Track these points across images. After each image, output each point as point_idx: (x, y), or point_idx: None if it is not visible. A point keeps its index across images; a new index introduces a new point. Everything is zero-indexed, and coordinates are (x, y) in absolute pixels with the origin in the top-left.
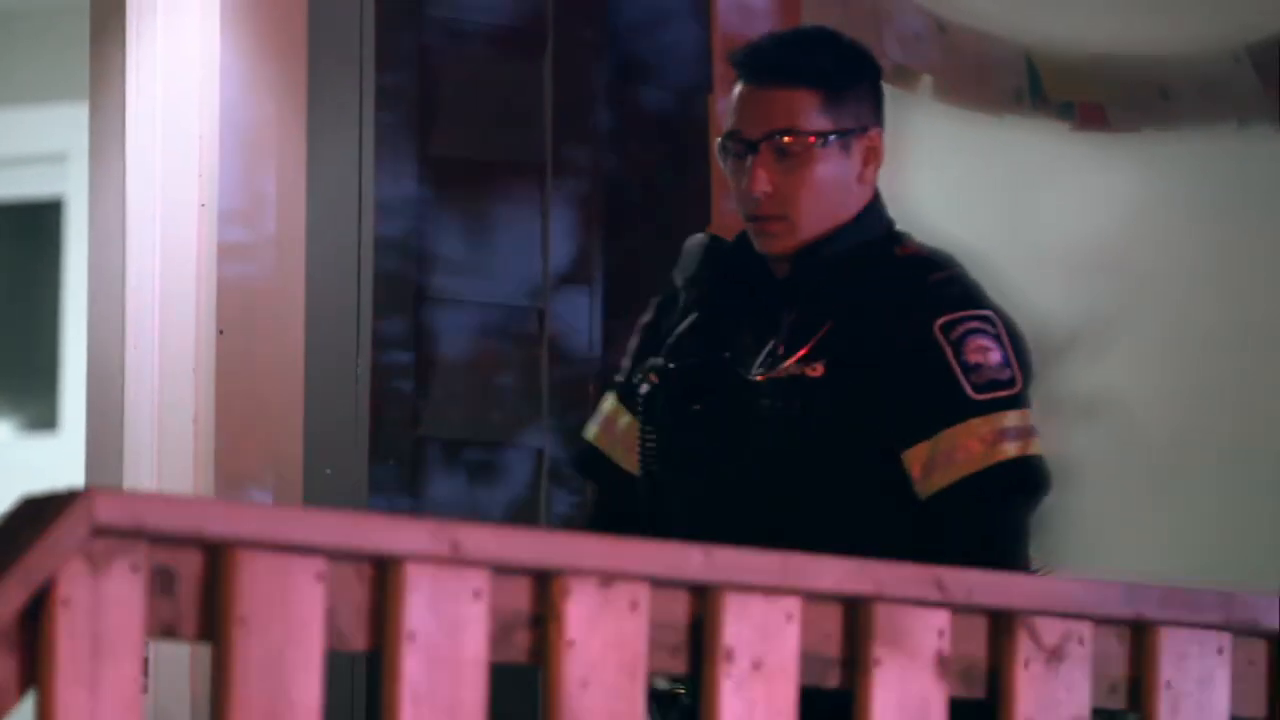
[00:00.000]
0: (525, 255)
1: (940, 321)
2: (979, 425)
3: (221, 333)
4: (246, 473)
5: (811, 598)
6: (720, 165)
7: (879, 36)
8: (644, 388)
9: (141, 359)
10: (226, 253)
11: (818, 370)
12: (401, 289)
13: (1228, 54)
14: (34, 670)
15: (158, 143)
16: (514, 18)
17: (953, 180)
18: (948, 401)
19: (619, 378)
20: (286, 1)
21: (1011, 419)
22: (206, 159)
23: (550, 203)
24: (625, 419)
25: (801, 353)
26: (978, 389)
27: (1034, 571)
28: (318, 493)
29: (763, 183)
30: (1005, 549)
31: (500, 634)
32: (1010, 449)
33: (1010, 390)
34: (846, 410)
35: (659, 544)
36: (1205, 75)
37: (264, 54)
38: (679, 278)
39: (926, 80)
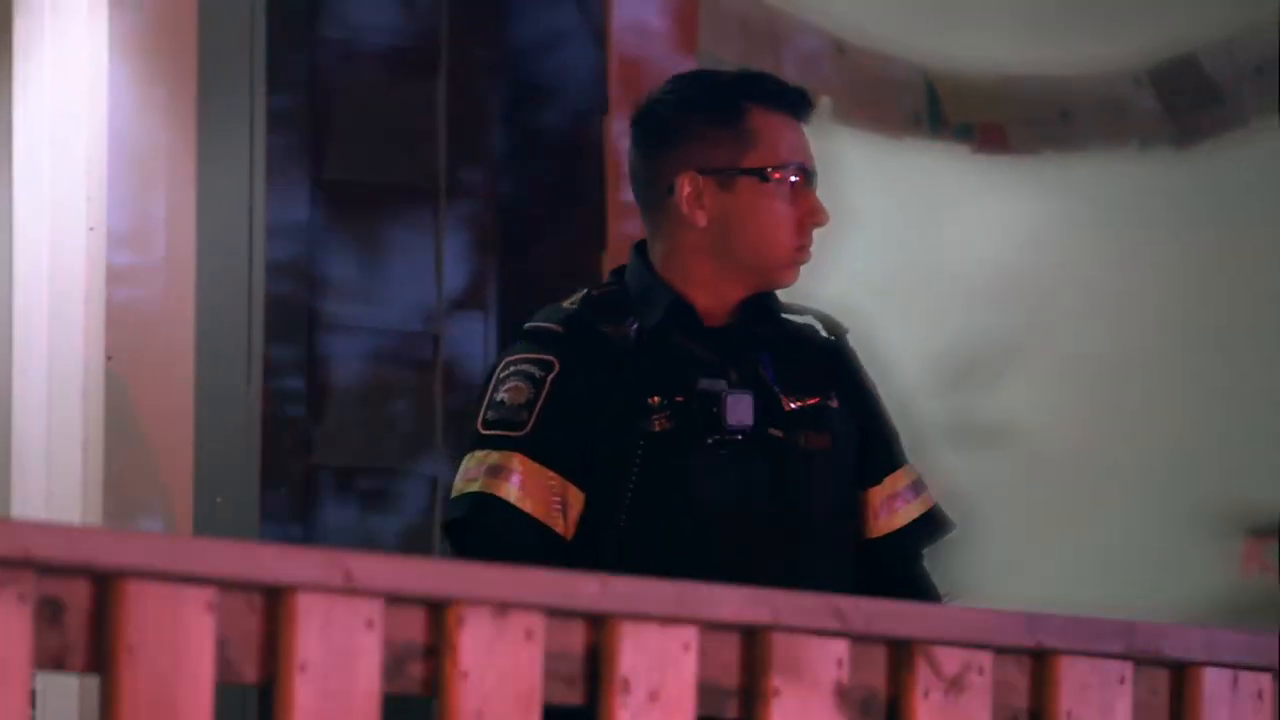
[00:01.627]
0: (419, 280)
1: (862, 369)
2: (909, 471)
3: (110, 359)
4: (136, 501)
5: (709, 627)
6: (747, 194)
7: (777, 57)
8: (657, 426)
9: (29, 385)
10: (115, 277)
11: (834, 401)
12: (294, 314)
13: (1129, 75)
14: None
15: (46, 166)
16: (408, 38)
17: (852, 204)
18: (893, 445)
19: (515, 433)
20: (175, 22)
21: (916, 467)
22: (95, 182)
23: (444, 226)
24: (552, 480)
25: (796, 401)
26: (898, 437)
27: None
28: (208, 521)
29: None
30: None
31: (394, 665)
32: (930, 497)
33: None
34: (854, 442)
35: (554, 573)
36: (1106, 96)
37: (153, 75)
38: (600, 324)
39: (825, 102)
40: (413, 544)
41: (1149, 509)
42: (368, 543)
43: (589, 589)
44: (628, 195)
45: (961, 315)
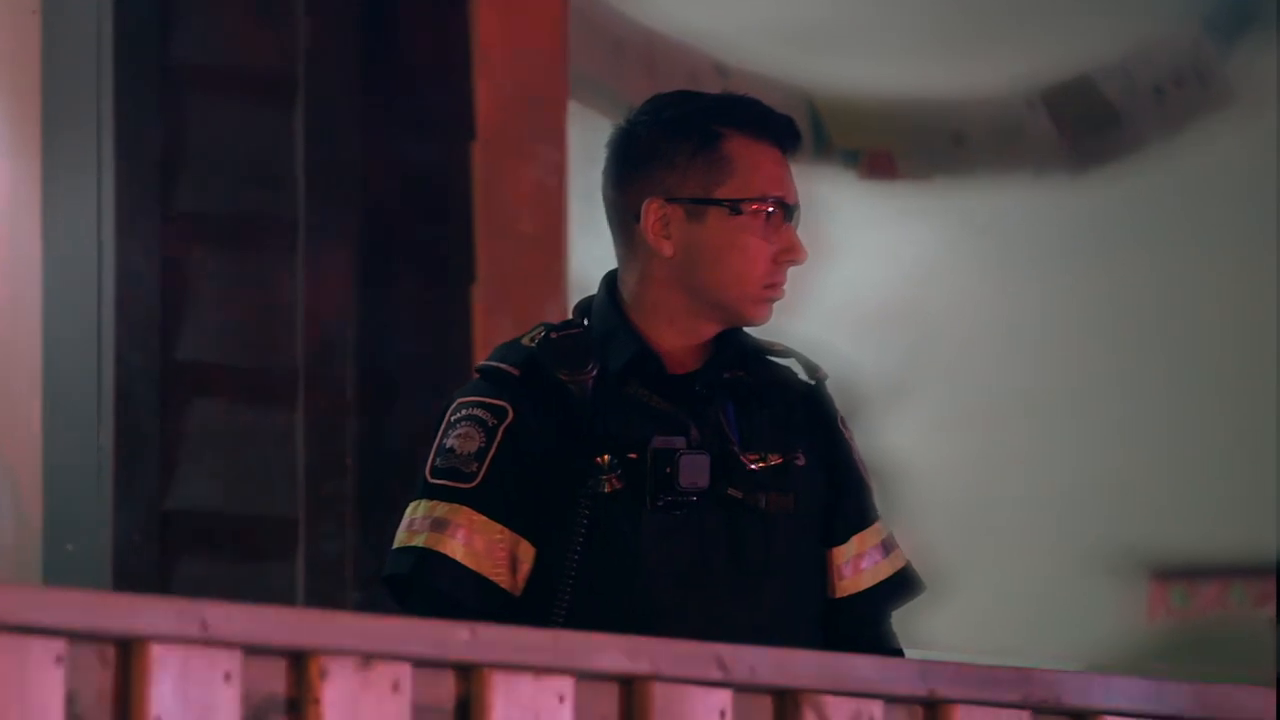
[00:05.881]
0: (278, 316)
1: (839, 417)
2: (879, 529)
3: None
4: None
5: (585, 677)
6: (716, 226)
7: (653, 80)
8: (606, 488)
9: None
10: None
11: (801, 459)
12: (146, 355)
13: (1022, 98)
14: None
15: None
16: (265, 64)
17: None
18: (864, 502)
19: (463, 485)
20: (17, 52)
21: (886, 525)
22: None
23: (304, 260)
24: (500, 535)
25: (753, 456)
26: (872, 491)
27: None
28: (59, 571)
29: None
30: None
31: (253, 719)
32: (901, 556)
33: None
34: (821, 500)
35: (422, 622)
36: (999, 121)
37: None
38: (558, 371)
39: None
40: (274, 593)
41: (1046, 551)
42: (227, 592)
43: (459, 637)
44: (498, 224)
45: (847, 350)
